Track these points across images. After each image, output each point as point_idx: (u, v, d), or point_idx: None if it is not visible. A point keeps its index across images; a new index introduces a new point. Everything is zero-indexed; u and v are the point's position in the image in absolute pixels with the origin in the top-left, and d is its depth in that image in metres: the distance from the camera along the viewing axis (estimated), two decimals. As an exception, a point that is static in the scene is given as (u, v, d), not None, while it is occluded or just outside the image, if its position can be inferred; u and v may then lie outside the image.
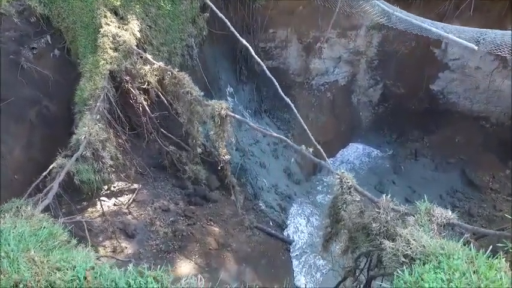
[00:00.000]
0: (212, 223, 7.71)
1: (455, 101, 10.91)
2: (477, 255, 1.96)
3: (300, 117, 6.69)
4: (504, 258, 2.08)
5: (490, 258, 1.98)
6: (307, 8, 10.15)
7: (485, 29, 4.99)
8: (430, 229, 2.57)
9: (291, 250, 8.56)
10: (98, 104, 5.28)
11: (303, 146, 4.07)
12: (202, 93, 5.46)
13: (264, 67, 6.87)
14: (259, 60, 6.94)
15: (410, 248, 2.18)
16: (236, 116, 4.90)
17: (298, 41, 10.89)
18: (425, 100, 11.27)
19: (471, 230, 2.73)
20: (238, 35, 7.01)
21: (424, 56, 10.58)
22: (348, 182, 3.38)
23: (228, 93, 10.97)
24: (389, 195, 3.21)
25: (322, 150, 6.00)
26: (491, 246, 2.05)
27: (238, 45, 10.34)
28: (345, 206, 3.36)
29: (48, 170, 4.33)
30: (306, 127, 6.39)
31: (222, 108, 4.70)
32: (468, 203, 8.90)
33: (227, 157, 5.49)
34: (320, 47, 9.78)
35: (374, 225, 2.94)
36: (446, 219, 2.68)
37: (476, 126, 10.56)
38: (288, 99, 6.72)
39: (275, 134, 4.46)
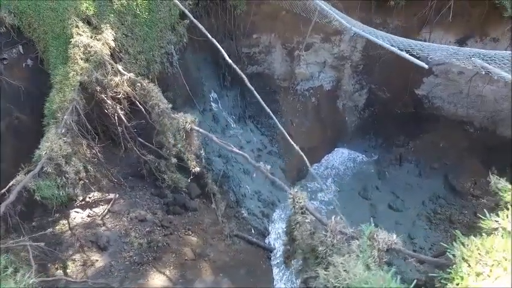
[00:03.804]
0: (190, 232, 7.66)
1: (440, 105, 10.88)
2: (401, 290, 1.93)
3: (281, 127, 6.66)
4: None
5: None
6: (290, 13, 10.08)
7: (457, 48, 4.98)
8: (369, 255, 2.53)
9: (272, 258, 8.52)
10: (64, 117, 5.22)
11: (261, 163, 4.03)
12: (170, 106, 5.41)
13: (245, 78, 6.74)
14: (239, 71, 6.79)
15: (338, 280, 2.14)
16: (201, 130, 4.84)
17: (282, 46, 10.83)
18: (410, 104, 11.23)
19: (412, 255, 2.69)
20: (218, 45, 6.91)
21: (408, 61, 10.51)
22: (300, 202, 3.33)
23: (212, 99, 10.93)
24: (338, 217, 3.15)
25: (305, 158, 5.99)
26: (415, 281, 2.00)
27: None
28: (298, 226, 3.31)
29: (7, 187, 4.27)
30: (287, 135, 6.37)
31: (186, 122, 4.65)
32: (450, 210, 8.87)
33: (197, 169, 5.43)
34: (299, 55, 9.74)
35: (320, 248, 2.90)
36: (388, 245, 2.63)
37: (460, 130, 10.53)
38: (268, 109, 6.67)
39: (236, 150, 4.41)
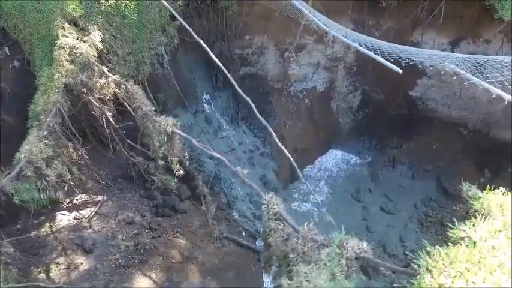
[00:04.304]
0: (179, 235, 7.61)
1: (434, 107, 10.83)
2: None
3: (271, 130, 6.60)
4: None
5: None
6: (282, 14, 10.05)
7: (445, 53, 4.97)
8: (336, 264, 2.48)
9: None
10: (47, 119, 5.19)
11: (239, 167, 3.99)
12: (153, 109, 5.37)
13: (233, 81, 6.73)
14: (227, 73, 6.77)
15: (299, 291, 2.10)
16: (182, 133, 4.80)
17: (275, 48, 10.80)
18: (404, 106, 11.18)
19: (381, 264, 2.65)
20: (207, 47, 6.85)
21: (402, 63, 10.48)
22: (274, 208, 3.29)
23: (204, 100, 10.89)
24: (312, 224, 3.08)
25: (294, 162, 5.97)
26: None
27: (213, 52, 10.29)
28: (272, 232, 3.27)
29: (-15, 190, 4.24)
30: (276, 140, 6.33)
31: (167, 125, 4.62)
32: (441, 213, 8.83)
33: (181, 172, 5.40)
34: (288, 57, 9.71)
35: (291, 255, 2.86)
36: (357, 253, 2.59)
37: (454, 133, 10.47)
38: (257, 113, 6.64)
39: (215, 154, 4.38)
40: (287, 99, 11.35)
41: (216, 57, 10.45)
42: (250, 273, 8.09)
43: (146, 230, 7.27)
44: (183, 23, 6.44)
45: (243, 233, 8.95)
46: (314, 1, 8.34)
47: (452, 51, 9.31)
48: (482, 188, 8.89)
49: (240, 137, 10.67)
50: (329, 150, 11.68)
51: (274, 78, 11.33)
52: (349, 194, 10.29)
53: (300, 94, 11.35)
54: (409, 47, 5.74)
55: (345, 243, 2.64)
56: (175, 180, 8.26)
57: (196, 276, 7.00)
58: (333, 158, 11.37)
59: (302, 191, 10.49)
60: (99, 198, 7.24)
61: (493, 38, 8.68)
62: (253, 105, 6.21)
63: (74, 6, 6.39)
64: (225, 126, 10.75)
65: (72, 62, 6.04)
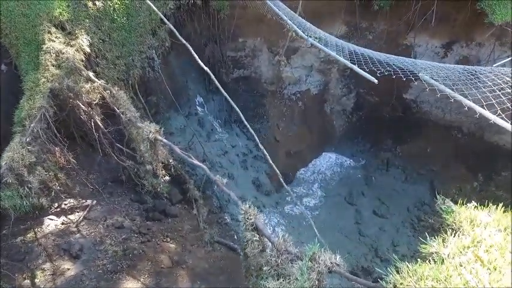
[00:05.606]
0: (169, 239, 7.56)
1: (428, 110, 10.78)
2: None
3: (257, 138, 6.60)
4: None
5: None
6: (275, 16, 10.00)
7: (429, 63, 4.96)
8: (307, 279, 2.43)
9: (253, 265, 8.42)
10: (31, 125, 5.15)
11: (218, 176, 3.95)
12: (138, 114, 5.33)
13: (218, 85, 6.79)
14: (214, 79, 6.82)
15: (263, 309, 2.06)
16: (164, 140, 4.76)
17: (269, 50, 10.76)
18: (398, 109, 11.13)
19: (351, 279, 2.60)
20: (193, 52, 6.83)
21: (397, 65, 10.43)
22: (251, 219, 3.24)
23: (197, 103, 10.86)
24: (286, 236, 3.04)
25: (278, 172, 5.99)
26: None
27: (205, 54, 10.28)
28: (249, 243, 3.23)
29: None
30: (262, 146, 6.35)
31: (150, 132, 4.58)
32: (433, 217, 8.76)
33: (166, 178, 5.36)
34: (279, 61, 9.67)
35: (265, 268, 2.81)
36: (329, 267, 2.54)
37: (448, 136, 10.42)
38: (243, 118, 6.67)
39: (196, 162, 4.34)
40: (281, 101, 11.31)
41: (208, 59, 10.48)
42: (241, 277, 8.03)
43: (135, 235, 7.22)
44: (170, 25, 6.42)
45: (235, 237, 8.91)
46: (306, 2, 8.29)
47: (446, 54, 9.27)
48: (474, 192, 8.75)
49: (233, 140, 10.64)
50: (323, 153, 11.63)
51: (268, 80, 11.29)
52: (342, 197, 10.24)
53: (294, 97, 11.30)
54: (395, 56, 5.69)
55: (317, 257, 2.59)
56: (166, 184, 8.26)
57: (186, 281, 6.94)
58: (327, 161, 11.32)
59: (296, 194, 10.45)
60: (88, 202, 7.20)
61: (486, 41, 8.63)
62: (242, 117, 6.25)
63: (60, 10, 6.36)
64: (218, 129, 10.72)
65: (58, 66, 6.00)
